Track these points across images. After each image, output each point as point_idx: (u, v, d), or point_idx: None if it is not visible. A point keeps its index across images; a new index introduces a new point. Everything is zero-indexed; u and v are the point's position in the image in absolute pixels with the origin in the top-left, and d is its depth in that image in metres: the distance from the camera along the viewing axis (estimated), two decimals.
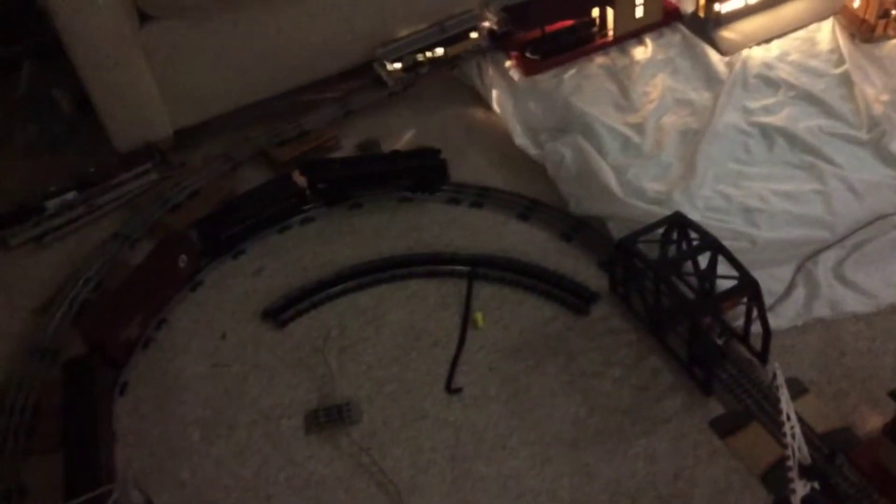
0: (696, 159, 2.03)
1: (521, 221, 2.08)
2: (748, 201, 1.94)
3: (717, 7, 2.39)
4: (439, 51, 2.41)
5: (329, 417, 1.71)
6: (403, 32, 2.42)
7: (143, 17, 2.14)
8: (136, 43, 2.12)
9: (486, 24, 2.42)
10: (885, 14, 2.28)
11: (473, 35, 2.42)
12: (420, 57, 2.41)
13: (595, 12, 2.41)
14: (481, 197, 2.15)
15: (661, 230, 1.77)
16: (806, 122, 2.11)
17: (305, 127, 2.37)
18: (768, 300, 1.75)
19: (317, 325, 1.90)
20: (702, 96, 2.24)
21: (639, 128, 2.16)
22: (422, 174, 2.15)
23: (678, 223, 1.75)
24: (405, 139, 2.35)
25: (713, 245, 1.67)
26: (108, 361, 1.83)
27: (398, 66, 2.39)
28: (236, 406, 1.77)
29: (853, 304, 1.76)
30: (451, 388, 1.75)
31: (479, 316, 1.86)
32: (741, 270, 1.61)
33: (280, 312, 1.92)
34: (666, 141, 2.12)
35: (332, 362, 1.82)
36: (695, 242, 1.71)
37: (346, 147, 2.36)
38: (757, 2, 2.43)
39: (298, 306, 1.92)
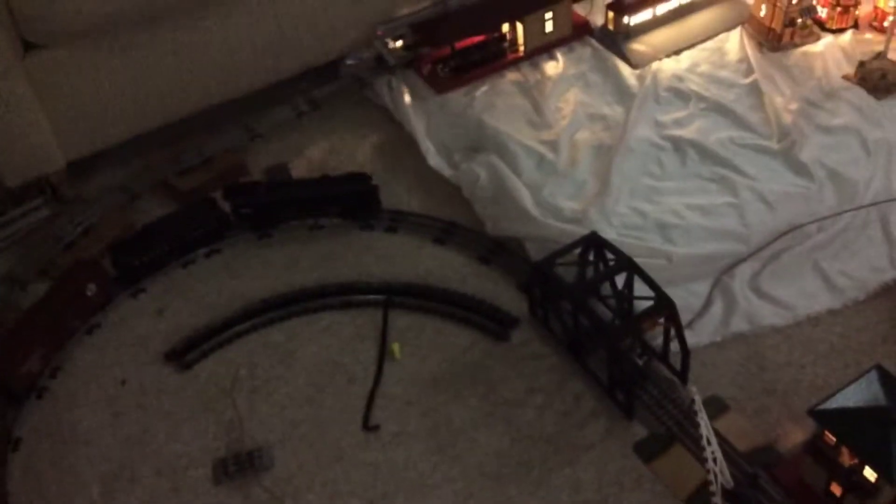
0: (611, 176, 2.01)
1: (437, 245, 2.02)
2: (663, 217, 1.92)
3: (625, 20, 2.38)
4: None
5: (239, 465, 1.61)
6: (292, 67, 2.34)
7: (28, 46, 2.00)
8: (20, 72, 1.98)
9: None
10: (792, 23, 2.30)
11: None
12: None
13: (505, 28, 2.37)
14: (395, 221, 2.08)
15: (577, 251, 1.73)
16: (717, 134, 2.10)
17: (209, 153, 2.26)
18: (686, 316, 1.73)
19: (224, 366, 1.79)
20: (614, 111, 2.22)
21: (553, 145, 2.12)
22: (353, 201, 2.07)
23: (594, 243, 1.71)
24: (316, 163, 2.27)
25: (628, 265, 1.64)
26: (6, 396, 1.72)
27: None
28: (139, 457, 1.66)
29: (771, 317, 1.76)
30: (368, 426, 1.67)
31: (395, 347, 1.79)
32: (657, 290, 1.58)
33: (184, 353, 1.81)
34: (580, 157, 2.09)
35: (242, 405, 1.72)
36: (611, 262, 1.68)
37: (255, 172, 2.26)
38: (665, 13, 2.43)
39: (204, 346, 1.82)
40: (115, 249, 1.98)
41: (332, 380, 1.75)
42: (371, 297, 1.89)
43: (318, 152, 2.31)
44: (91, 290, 1.88)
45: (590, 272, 1.72)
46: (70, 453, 1.68)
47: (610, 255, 1.68)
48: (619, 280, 1.67)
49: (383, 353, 1.79)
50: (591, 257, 1.73)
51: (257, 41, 2.26)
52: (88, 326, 1.88)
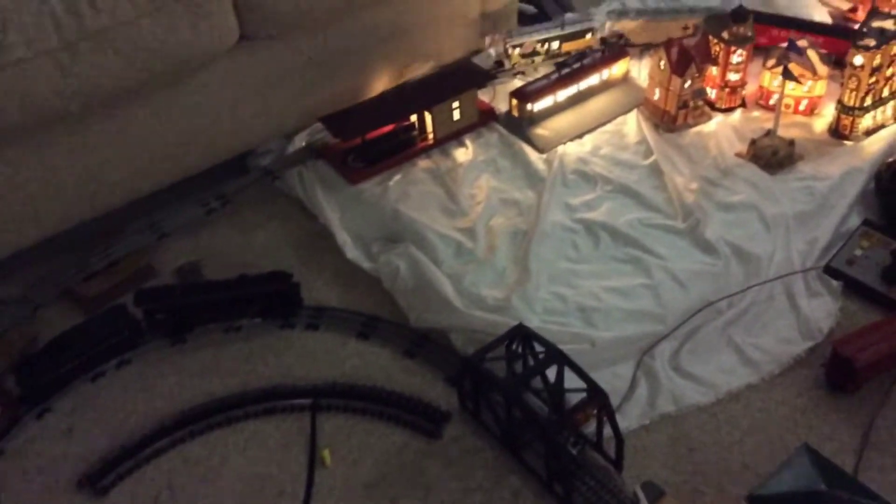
0: (529, 261, 2.04)
1: (361, 341, 1.99)
2: (583, 301, 1.95)
3: (528, 107, 2.45)
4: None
5: None
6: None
7: None
8: None
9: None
10: (685, 105, 2.42)
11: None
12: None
13: (413, 117, 2.41)
14: (316, 318, 2.04)
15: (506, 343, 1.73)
16: (625, 216, 2.17)
17: (114, 256, 2.17)
18: (614, 400, 1.74)
19: (143, 488, 1.69)
20: (526, 195, 2.26)
21: (470, 232, 2.14)
22: (273, 299, 2.01)
23: (521, 335, 1.72)
24: (229, 260, 2.21)
25: (558, 357, 1.65)
26: None
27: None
28: None
29: (694, 395, 1.80)
30: None
31: (326, 453, 1.73)
32: (588, 381, 1.60)
33: (99, 478, 1.69)
34: (498, 244, 2.11)
35: None
36: (540, 354, 1.69)
37: (164, 274, 2.19)
38: (564, 99, 2.52)
39: (120, 468, 1.71)
40: (18, 367, 1.86)
41: (260, 494, 1.68)
42: (296, 401, 1.84)
43: (231, 249, 2.26)
44: None
45: (519, 364, 1.73)
46: None
47: (539, 347, 1.70)
48: (550, 371, 1.68)
49: (313, 461, 1.73)
50: (519, 349, 1.73)
51: (164, 139, 2.21)
52: None
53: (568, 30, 2.69)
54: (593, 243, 2.12)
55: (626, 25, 2.76)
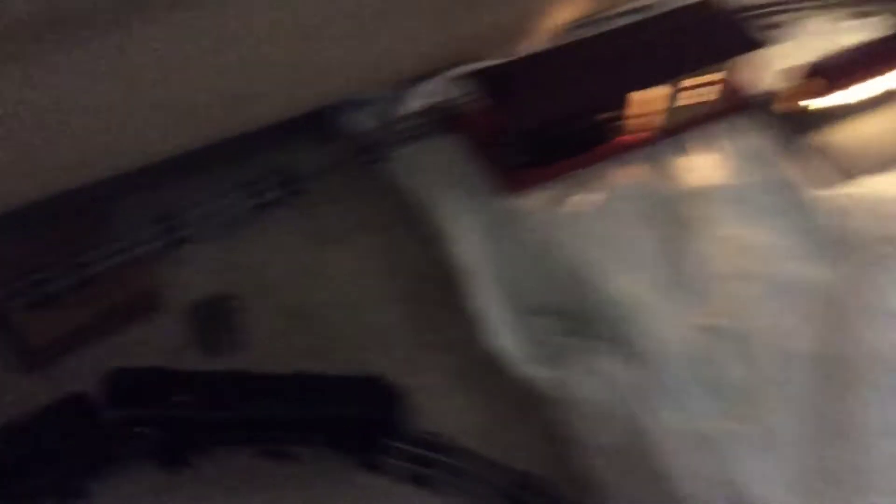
0: (845, 449, 1.09)
1: None
2: None
3: (814, 104, 1.43)
4: None
5: None
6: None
7: None
8: None
9: None
10: None
11: None
12: None
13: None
14: (425, 463, 1.12)
15: None
16: None
17: (93, 268, 1.25)
18: None
19: None
20: (819, 272, 1.27)
21: (717, 337, 1.18)
22: (355, 426, 1.11)
23: None
24: (282, 301, 1.30)
25: None
26: None
27: None
28: None
29: None
30: None
31: None
32: None
33: None
34: (768, 394, 1.14)
35: None
36: None
37: (174, 310, 1.28)
38: (878, 94, 1.49)
39: None
40: None
41: None
42: None
43: (289, 276, 1.33)
44: None
45: None
46: None
47: None
48: None
49: None
50: None
51: (192, 75, 1.22)
52: None
53: None
54: None
55: None
